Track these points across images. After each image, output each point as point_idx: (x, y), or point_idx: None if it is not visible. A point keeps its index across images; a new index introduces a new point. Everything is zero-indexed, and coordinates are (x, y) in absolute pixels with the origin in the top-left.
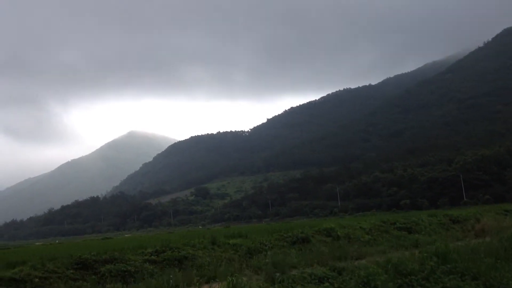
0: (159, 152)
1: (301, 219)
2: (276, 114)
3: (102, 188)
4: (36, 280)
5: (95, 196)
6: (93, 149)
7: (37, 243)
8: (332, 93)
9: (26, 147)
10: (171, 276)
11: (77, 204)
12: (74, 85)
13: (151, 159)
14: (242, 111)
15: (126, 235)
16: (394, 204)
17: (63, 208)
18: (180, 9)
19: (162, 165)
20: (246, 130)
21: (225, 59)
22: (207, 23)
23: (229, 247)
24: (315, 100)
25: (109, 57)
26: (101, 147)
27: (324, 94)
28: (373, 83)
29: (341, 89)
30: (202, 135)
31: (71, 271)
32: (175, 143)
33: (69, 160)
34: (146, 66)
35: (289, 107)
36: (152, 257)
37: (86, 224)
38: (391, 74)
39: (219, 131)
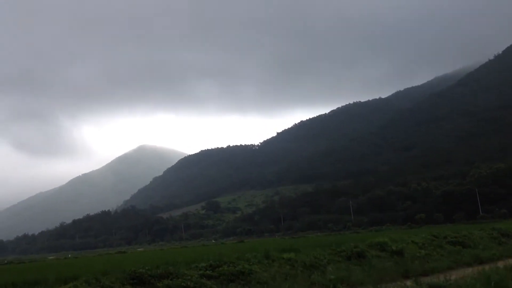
0: (170, 166)
1: (314, 233)
2: (286, 128)
3: (113, 202)
4: None
5: (106, 210)
6: (104, 164)
7: (50, 257)
8: (342, 106)
9: (37, 161)
10: None
11: (89, 218)
12: (84, 100)
13: (161, 173)
14: (252, 125)
15: (138, 249)
16: (409, 218)
17: (75, 222)
18: (190, 25)
19: (173, 179)
20: (256, 144)
21: (235, 73)
22: (217, 39)
23: (284, 261)
24: (325, 113)
25: (119, 72)
26: (112, 161)
27: (333, 107)
28: (383, 96)
29: (351, 102)
30: (212, 149)
31: (128, 286)
32: (185, 157)
33: (80, 175)
34: (156, 81)
35: (299, 121)
36: (208, 271)
37: (98, 238)
38: (401, 87)
39: (229, 145)
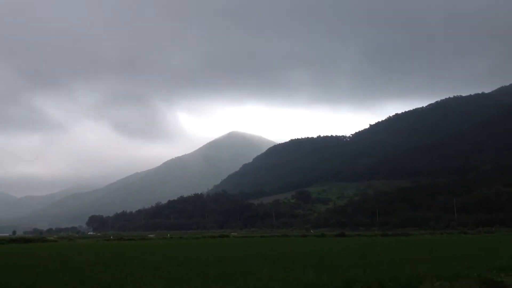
0: (258, 153)
1: (413, 230)
2: (380, 120)
3: (203, 186)
4: None
5: (199, 193)
6: (195, 148)
7: (150, 235)
8: (440, 100)
9: (134, 143)
10: None
11: (183, 200)
12: (179, 85)
13: (250, 160)
14: (344, 116)
15: (232, 234)
16: None
17: (170, 202)
18: (285, 12)
19: (262, 166)
20: (347, 135)
21: (329, 63)
22: (312, 28)
23: None
24: (422, 107)
25: (214, 59)
26: (203, 146)
27: (431, 101)
28: (486, 91)
29: (451, 96)
30: (302, 138)
31: None
32: (275, 145)
33: (173, 158)
34: (249, 69)
35: (394, 114)
36: None
37: (191, 220)
38: (507, 82)
39: (320, 135)
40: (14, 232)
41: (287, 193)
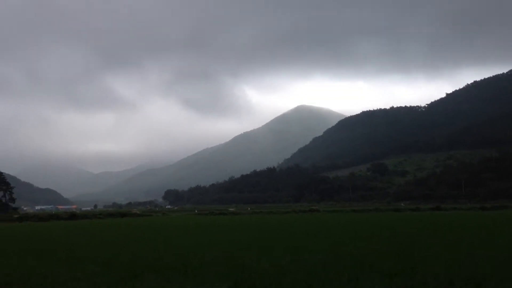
0: (326, 126)
1: (506, 202)
2: (457, 89)
3: (272, 160)
4: None
5: (271, 167)
6: (264, 123)
7: (230, 209)
8: None
9: (203, 118)
10: None
11: (256, 174)
12: (245, 60)
13: (318, 133)
14: (416, 85)
15: (313, 207)
16: None
17: (243, 177)
18: None
19: (333, 139)
20: (422, 105)
21: (400, 31)
22: None
23: None
24: (503, 73)
25: (279, 33)
26: (271, 121)
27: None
28: None
29: None
30: (374, 110)
31: None
32: (346, 117)
33: (242, 133)
34: (315, 40)
35: (472, 81)
36: None
37: (266, 194)
38: None
39: (393, 106)
40: (95, 206)
41: (361, 166)
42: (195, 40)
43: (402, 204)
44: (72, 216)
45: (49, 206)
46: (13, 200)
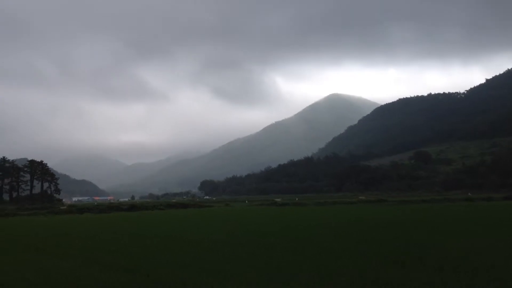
0: (359, 114)
1: None
2: (497, 74)
3: (305, 149)
4: None
5: (306, 156)
6: (295, 112)
7: (276, 199)
8: None
9: (234, 108)
10: None
11: (293, 164)
12: (276, 48)
13: (351, 122)
14: (454, 71)
15: (381, 198)
16: None
17: (280, 167)
18: None
19: (368, 128)
20: (461, 91)
21: (436, 15)
22: None
23: None
24: None
25: (309, 20)
26: (303, 110)
27: None
28: None
29: None
30: (410, 97)
31: None
32: (381, 105)
33: (273, 122)
34: (346, 27)
35: (511, 67)
36: None
37: (304, 184)
38: None
39: (430, 93)
40: (133, 197)
41: (400, 155)
42: (224, 28)
43: (469, 194)
44: (132, 207)
45: (86, 197)
46: (58, 191)
